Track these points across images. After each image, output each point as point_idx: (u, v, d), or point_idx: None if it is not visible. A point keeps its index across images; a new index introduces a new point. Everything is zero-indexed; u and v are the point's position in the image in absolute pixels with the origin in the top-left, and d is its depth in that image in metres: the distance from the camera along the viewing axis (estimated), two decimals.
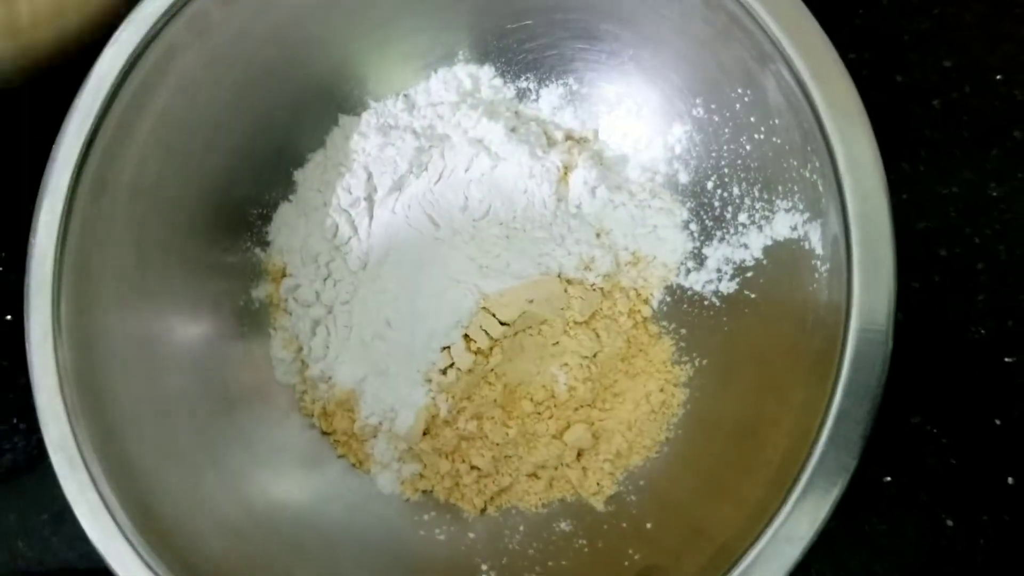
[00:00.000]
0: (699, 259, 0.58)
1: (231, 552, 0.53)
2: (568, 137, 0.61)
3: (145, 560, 0.49)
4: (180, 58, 0.54)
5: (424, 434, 0.58)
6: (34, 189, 0.52)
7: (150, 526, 0.50)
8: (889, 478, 0.57)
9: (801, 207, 0.50)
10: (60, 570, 0.63)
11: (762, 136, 0.52)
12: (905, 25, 0.60)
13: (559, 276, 0.58)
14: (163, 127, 0.55)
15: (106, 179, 0.52)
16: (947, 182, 0.59)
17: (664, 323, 0.59)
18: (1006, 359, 0.57)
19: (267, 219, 0.63)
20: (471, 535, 0.58)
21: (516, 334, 0.57)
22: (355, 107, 0.63)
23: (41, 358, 0.51)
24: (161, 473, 0.54)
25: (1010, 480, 0.55)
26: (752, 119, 0.52)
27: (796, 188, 0.50)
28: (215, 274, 0.60)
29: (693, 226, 0.58)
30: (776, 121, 0.50)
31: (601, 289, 0.58)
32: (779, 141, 0.51)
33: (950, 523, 0.55)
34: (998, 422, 0.56)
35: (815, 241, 0.49)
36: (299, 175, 0.63)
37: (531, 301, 0.57)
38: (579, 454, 0.58)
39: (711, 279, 0.57)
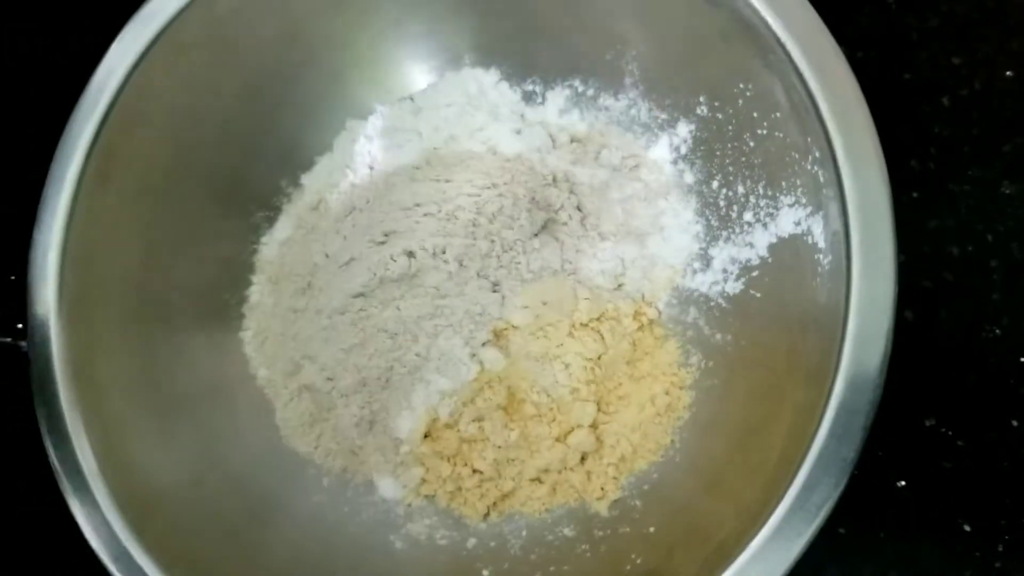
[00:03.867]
0: (705, 260, 0.57)
1: (227, 553, 0.53)
2: (574, 139, 0.61)
3: (143, 564, 0.49)
4: (188, 56, 0.55)
5: (425, 437, 0.57)
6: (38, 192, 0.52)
7: (149, 528, 0.50)
8: (903, 482, 0.55)
9: (804, 201, 0.49)
10: None
11: (765, 131, 0.51)
12: (912, 23, 0.60)
13: (567, 279, 0.57)
14: (171, 124, 0.56)
15: (111, 174, 0.53)
16: (958, 180, 0.58)
17: (670, 325, 0.58)
18: (1022, 359, 0.55)
19: (274, 221, 0.63)
20: (473, 540, 0.57)
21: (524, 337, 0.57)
22: (362, 110, 0.63)
23: (42, 353, 0.51)
24: (160, 472, 0.54)
25: None
26: (755, 114, 0.52)
27: (799, 182, 0.50)
28: (220, 273, 0.61)
29: (699, 227, 0.58)
30: (777, 115, 0.50)
31: (607, 290, 0.57)
32: (781, 135, 0.50)
33: (967, 528, 0.54)
34: (1015, 423, 0.54)
35: (817, 234, 0.48)
36: (306, 178, 0.63)
37: (545, 303, 0.56)
38: (583, 458, 0.57)
39: (717, 280, 0.56)
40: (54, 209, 0.51)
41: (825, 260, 0.47)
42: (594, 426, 0.56)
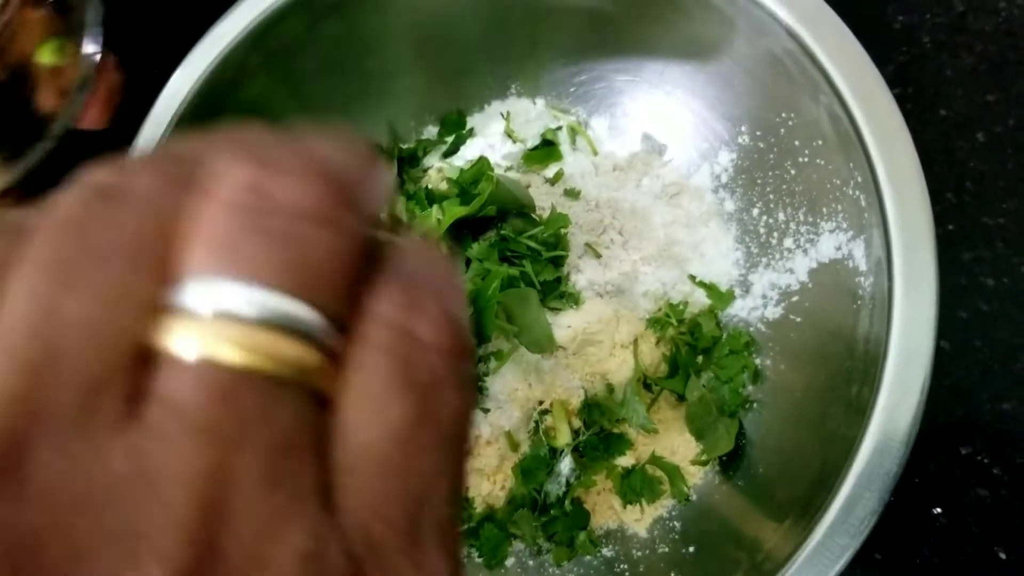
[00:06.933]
0: (745, 286, 0.59)
1: None
2: (616, 167, 0.63)
3: None
4: (250, 80, 0.57)
5: None
6: None
7: None
8: (939, 509, 0.55)
9: (845, 226, 0.51)
10: None
11: (806, 159, 0.53)
12: (948, 61, 0.62)
13: (610, 301, 0.59)
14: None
15: None
16: (993, 213, 0.59)
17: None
18: None
19: None
20: (511, 559, 0.58)
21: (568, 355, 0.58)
22: (410, 139, 0.65)
23: None
24: None
25: None
26: (796, 142, 0.53)
27: (840, 207, 0.51)
28: None
29: (739, 253, 0.59)
30: (820, 142, 0.51)
31: (648, 313, 0.58)
32: (823, 162, 0.52)
33: (1003, 556, 0.54)
34: None
35: (859, 258, 0.49)
36: None
37: (588, 324, 0.57)
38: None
39: (756, 305, 0.58)
40: None
41: (866, 283, 0.48)
42: (634, 447, 0.57)
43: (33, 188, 0.56)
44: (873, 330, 0.47)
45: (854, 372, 0.47)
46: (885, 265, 0.46)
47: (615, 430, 0.57)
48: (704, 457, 0.56)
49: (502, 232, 0.57)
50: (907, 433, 0.43)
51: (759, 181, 0.57)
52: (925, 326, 0.44)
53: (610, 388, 0.57)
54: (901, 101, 0.48)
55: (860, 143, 0.47)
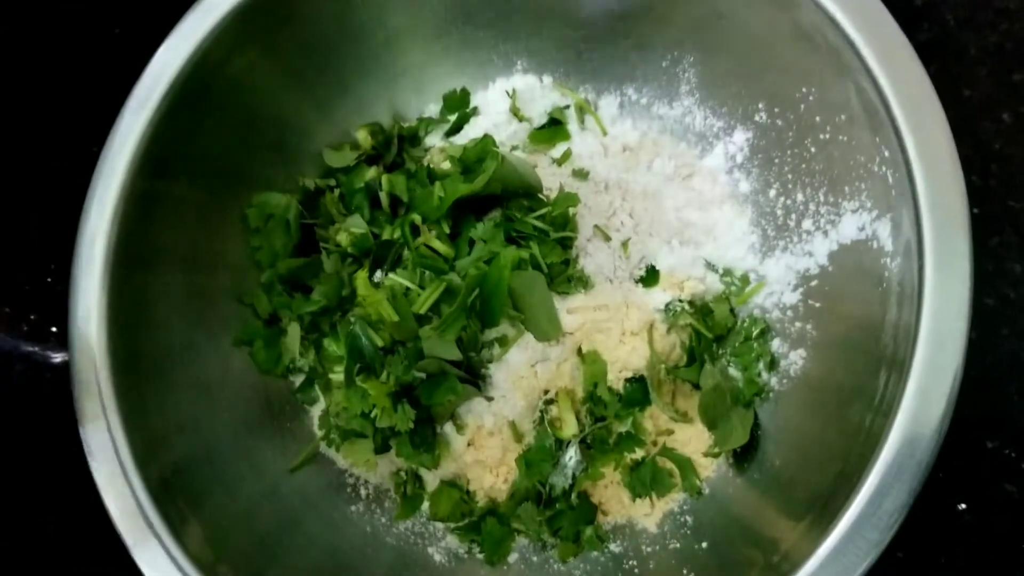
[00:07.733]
0: (761, 270, 0.56)
1: (265, 557, 0.51)
2: (626, 148, 0.60)
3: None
4: (238, 56, 0.55)
5: (468, 445, 0.55)
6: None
7: (186, 530, 0.48)
8: (964, 505, 0.53)
9: (869, 205, 0.48)
10: None
11: (828, 136, 0.50)
12: (972, 39, 0.59)
13: (620, 286, 0.56)
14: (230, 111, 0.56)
15: (164, 162, 0.52)
16: (1020, 196, 0.57)
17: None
18: None
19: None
20: (514, 555, 0.56)
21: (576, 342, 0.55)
22: (416, 114, 0.63)
23: (84, 354, 0.50)
24: (198, 475, 0.52)
25: None
26: (818, 119, 0.51)
27: (864, 186, 0.48)
28: None
29: (755, 237, 0.56)
30: (842, 117, 0.49)
31: (659, 299, 0.56)
32: (845, 139, 0.49)
33: None
34: None
35: (884, 238, 0.47)
36: None
37: (597, 309, 0.55)
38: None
39: (773, 291, 0.55)
40: (103, 198, 0.50)
41: (892, 264, 0.46)
42: (645, 439, 0.55)
43: None
44: (901, 314, 0.44)
45: (880, 358, 0.45)
46: (915, 245, 0.43)
47: (621, 428, 0.54)
48: (717, 449, 0.54)
49: (507, 212, 0.54)
50: (939, 422, 0.41)
51: (776, 160, 0.55)
52: (958, 309, 0.42)
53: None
54: None
55: (889, 116, 0.45)
